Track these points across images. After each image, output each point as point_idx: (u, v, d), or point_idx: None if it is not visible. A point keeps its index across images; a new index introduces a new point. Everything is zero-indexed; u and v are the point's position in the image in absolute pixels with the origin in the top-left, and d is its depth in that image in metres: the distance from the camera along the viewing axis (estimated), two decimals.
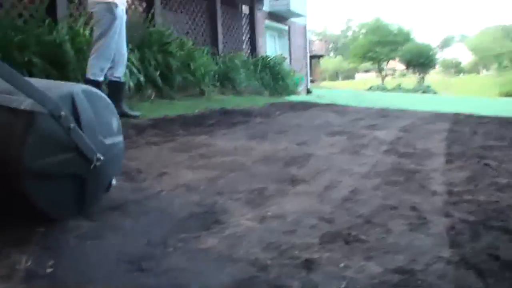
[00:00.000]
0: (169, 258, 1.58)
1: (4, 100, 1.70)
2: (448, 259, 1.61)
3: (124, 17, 4.97)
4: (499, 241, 1.80)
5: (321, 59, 45.33)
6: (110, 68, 4.94)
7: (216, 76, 9.38)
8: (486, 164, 3.32)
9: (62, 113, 1.74)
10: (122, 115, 4.98)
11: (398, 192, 2.53)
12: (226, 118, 5.62)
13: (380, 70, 57.63)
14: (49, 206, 1.80)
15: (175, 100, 7.26)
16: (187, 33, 10.17)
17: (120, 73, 5.03)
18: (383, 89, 44.43)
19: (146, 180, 2.61)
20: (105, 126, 2.01)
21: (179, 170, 2.88)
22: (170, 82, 7.56)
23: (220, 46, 11.30)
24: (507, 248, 1.72)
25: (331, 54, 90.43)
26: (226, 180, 2.69)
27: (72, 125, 1.78)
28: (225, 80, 9.86)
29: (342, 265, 1.56)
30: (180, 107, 6.30)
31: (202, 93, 8.38)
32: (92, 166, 1.89)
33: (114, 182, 2.10)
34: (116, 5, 4.72)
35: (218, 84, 9.35)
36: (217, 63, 9.74)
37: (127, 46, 5.25)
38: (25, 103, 1.67)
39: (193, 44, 8.87)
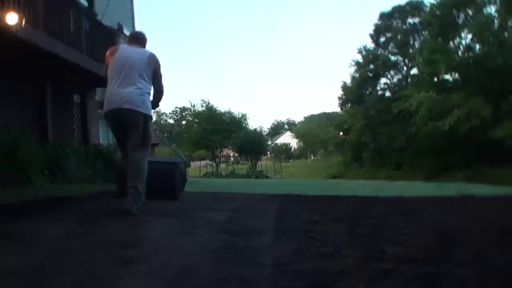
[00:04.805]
0: None
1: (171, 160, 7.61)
2: None
3: None
4: None
5: (156, 147, 45.44)
6: None
7: (45, 164, 8.94)
8: (311, 237, 3.54)
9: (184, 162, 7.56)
10: None
11: (229, 267, 2.59)
12: (54, 205, 5.36)
13: (214, 157, 58.88)
14: (178, 195, 6.65)
15: None
16: (16, 117, 9.71)
17: None
18: (218, 175, 45.40)
19: None
20: None
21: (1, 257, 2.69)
22: None
23: (50, 133, 10.90)
24: None
25: (166, 143, 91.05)
26: (53, 266, 2.57)
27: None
28: (55, 168, 9.41)
29: None
30: (2, 195, 5.89)
31: (29, 181, 7.91)
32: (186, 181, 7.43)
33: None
34: None
35: (47, 172, 8.90)
36: (45, 151, 9.31)
37: None
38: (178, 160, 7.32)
39: (20, 130, 8.47)
